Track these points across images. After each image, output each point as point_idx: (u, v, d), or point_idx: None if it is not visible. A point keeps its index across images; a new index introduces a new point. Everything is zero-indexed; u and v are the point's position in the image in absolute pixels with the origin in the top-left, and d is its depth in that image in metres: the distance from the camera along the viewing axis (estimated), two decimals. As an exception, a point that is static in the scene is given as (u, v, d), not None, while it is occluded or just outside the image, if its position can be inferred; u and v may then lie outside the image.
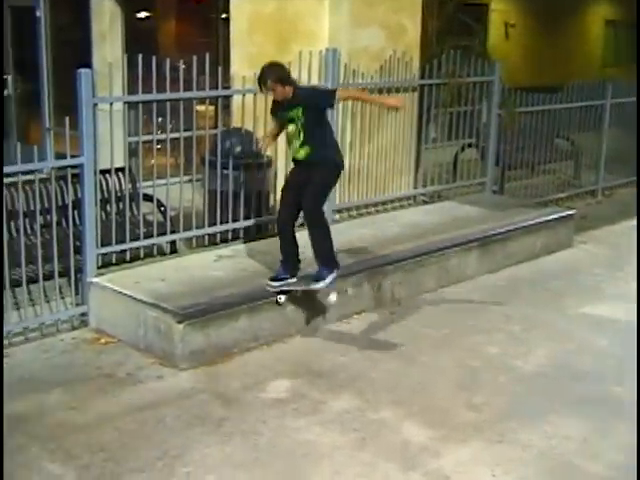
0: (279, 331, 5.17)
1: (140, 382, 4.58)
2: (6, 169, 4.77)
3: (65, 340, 5.08)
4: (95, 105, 5.14)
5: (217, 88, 5.95)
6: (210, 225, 6.07)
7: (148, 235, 5.72)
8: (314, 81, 6.46)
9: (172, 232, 5.90)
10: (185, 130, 5.82)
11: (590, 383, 4.74)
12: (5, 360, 4.75)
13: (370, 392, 4.54)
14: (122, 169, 5.94)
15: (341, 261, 5.19)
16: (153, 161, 5.82)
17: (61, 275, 5.18)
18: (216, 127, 6.74)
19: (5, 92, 7.65)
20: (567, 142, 9.30)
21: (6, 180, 4.85)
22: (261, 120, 5.89)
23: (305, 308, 5.33)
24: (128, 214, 5.67)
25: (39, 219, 5.12)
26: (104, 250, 5.40)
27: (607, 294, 6.27)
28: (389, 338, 5.30)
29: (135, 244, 5.62)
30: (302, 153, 4.95)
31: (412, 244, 6.23)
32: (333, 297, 5.20)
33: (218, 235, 6.12)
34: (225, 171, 6.14)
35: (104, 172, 5.70)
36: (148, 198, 5.94)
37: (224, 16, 8.23)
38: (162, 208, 6.01)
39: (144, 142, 5.76)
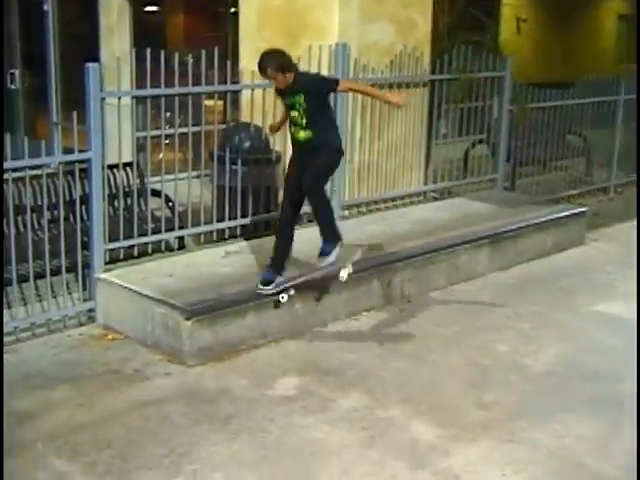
0: (287, 328, 5.14)
1: (147, 379, 4.56)
2: (13, 164, 4.76)
3: (72, 336, 5.07)
4: (103, 99, 5.11)
5: (226, 83, 5.92)
6: (218, 221, 6.05)
7: (156, 231, 5.71)
8: (324, 76, 6.42)
9: (180, 228, 5.88)
10: (193, 125, 5.79)
11: (601, 382, 4.69)
12: (12, 356, 4.75)
13: (379, 390, 4.50)
14: (130, 164, 5.92)
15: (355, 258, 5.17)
16: (161, 156, 5.79)
17: (68, 271, 5.17)
18: (225, 122, 6.71)
19: (13, 86, 7.65)
20: (579, 138, 9.23)
21: (13, 175, 4.84)
22: (270, 115, 5.86)
23: (313, 305, 5.29)
24: (136, 209, 5.64)
25: (46, 214, 5.11)
26: (112, 246, 5.38)
27: (620, 292, 6.21)
28: (398, 336, 5.27)
29: (143, 240, 5.60)
30: (302, 135, 4.91)
31: (422, 241, 6.19)
32: (344, 274, 5.14)
33: (226, 231, 6.10)
34: (234, 166, 6.11)
35: (112, 167, 5.68)
36: (156, 193, 5.92)
37: (233, 10, 8.20)
38: (170, 204, 5.99)
39: (152, 137, 5.74)
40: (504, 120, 7.95)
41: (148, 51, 5.29)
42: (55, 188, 5.28)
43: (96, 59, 6.51)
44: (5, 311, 4.99)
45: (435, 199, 7.70)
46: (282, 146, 6.23)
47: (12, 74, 7.64)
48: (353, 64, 6.64)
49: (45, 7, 7.59)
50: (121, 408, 4.23)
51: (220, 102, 6.47)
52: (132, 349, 4.90)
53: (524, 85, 8.12)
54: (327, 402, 4.36)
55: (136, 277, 5.21)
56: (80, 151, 5.07)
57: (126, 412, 4.19)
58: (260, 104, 6.04)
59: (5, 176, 4.79)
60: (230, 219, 6.07)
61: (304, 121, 4.87)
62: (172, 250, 5.86)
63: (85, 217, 5.33)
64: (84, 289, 5.28)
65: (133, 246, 5.55)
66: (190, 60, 5.58)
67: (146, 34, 7.94)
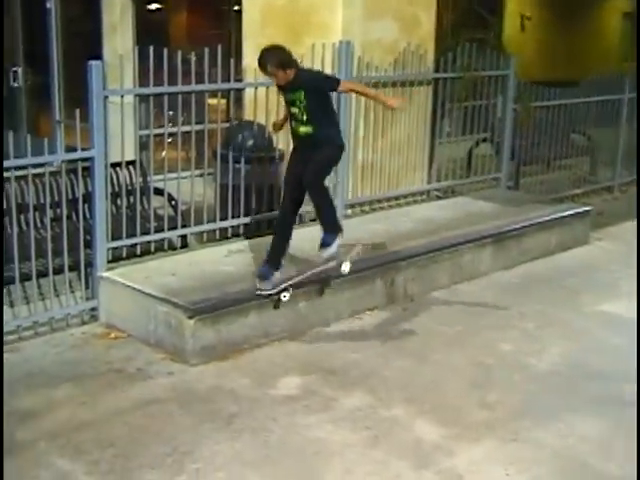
0: (290, 327, 5.13)
1: (150, 377, 4.55)
2: (16, 162, 4.74)
3: (75, 335, 5.06)
4: (106, 97, 5.10)
5: (229, 81, 5.91)
6: (221, 219, 6.03)
7: (159, 229, 5.70)
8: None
9: (183, 226, 5.86)
10: (196, 123, 5.78)
11: (606, 382, 4.67)
12: (14, 355, 4.75)
13: (382, 390, 4.49)
14: (133, 162, 5.90)
15: (353, 257, 5.14)
16: (164, 154, 5.78)
17: (71, 269, 5.15)
18: (228, 120, 6.70)
19: (15, 84, 7.64)
20: (583, 137, 9.19)
21: (16, 173, 4.83)
22: (273, 113, 5.84)
23: (316, 304, 5.28)
24: (139, 208, 5.63)
25: (49, 212, 5.10)
26: (114, 244, 5.37)
27: (624, 292, 6.18)
28: (401, 335, 5.26)
29: (146, 238, 5.59)
30: (303, 130, 4.89)
31: (425, 240, 6.17)
32: (346, 267, 5.11)
33: (229, 229, 6.08)
34: (237, 165, 6.09)
35: (115, 165, 5.67)
36: (159, 192, 5.91)
37: (236, 8, 8.18)
38: (173, 202, 5.97)
39: (155, 135, 5.73)
40: (508, 119, 7.92)
41: (151, 49, 5.27)
42: (58, 186, 5.26)
43: (99, 57, 6.51)
44: (8, 310, 4.98)
45: (438, 198, 7.67)
46: (285, 144, 6.20)
47: (15, 72, 7.63)
48: (357, 62, 6.62)
49: (48, 5, 7.59)
50: (124, 407, 4.22)
51: (223, 100, 6.45)
52: (135, 348, 4.89)
53: (528, 84, 8.10)
54: (330, 401, 4.34)
55: (139, 276, 5.20)
56: (83, 149, 5.05)
57: (129, 411, 4.18)
58: (263, 102, 6.02)
59: (8, 174, 4.78)
60: (233, 217, 6.06)
61: (304, 117, 4.85)
62: (175, 249, 5.85)
63: (88, 215, 5.32)
64: (87, 288, 5.26)
65: (136, 245, 5.54)
66: (193, 58, 5.56)
67: (149, 32, 7.93)
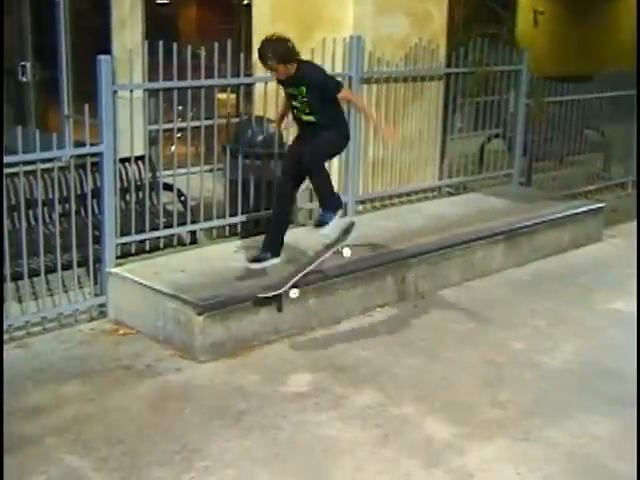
0: (300, 324, 5.09)
1: (159, 374, 4.53)
2: (24, 157, 4.73)
3: (83, 331, 5.05)
4: (115, 92, 5.07)
5: (239, 76, 5.87)
6: (231, 215, 6.00)
7: (168, 225, 5.67)
8: (338, 69, 6.37)
9: (192, 222, 5.84)
10: (206, 118, 5.75)
11: (618, 380, 4.62)
12: (23, 350, 4.75)
13: (393, 387, 4.45)
14: (142, 158, 5.87)
15: (364, 253, 5.10)
16: (173, 149, 5.75)
17: (80, 265, 5.13)
18: (238, 115, 6.66)
19: (24, 79, 7.63)
20: (597, 133, 9.12)
21: (24, 168, 4.81)
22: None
23: (326, 301, 5.24)
24: (148, 203, 5.60)
25: (58, 208, 5.08)
26: (123, 240, 5.35)
27: (637, 289, 6.11)
28: (412, 332, 5.22)
29: (155, 234, 5.56)
30: (306, 118, 4.84)
31: (436, 236, 6.13)
32: (347, 252, 5.05)
33: (239, 225, 6.05)
34: (246, 160, 6.06)
35: (124, 161, 5.64)
36: (168, 187, 5.89)
37: (246, 2, 8.15)
38: (182, 198, 5.96)
39: (164, 130, 5.69)
40: (520, 114, 7.86)
41: (160, 44, 5.25)
42: (66, 181, 5.26)
43: (108, 52, 6.47)
44: (16, 305, 4.97)
45: (450, 194, 7.63)
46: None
47: (23, 66, 7.61)
48: (368, 57, 6.58)
49: (57, -1, 7.56)
50: (132, 403, 4.20)
51: (233, 95, 6.41)
52: (143, 344, 4.87)
53: (541, 79, 8.03)
54: (340, 399, 4.31)
55: (148, 272, 5.17)
56: (92, 144, 5.04)
57: (137, 408, 4.16)
58: (273, 97, 5.98)
59: (16, 169, 4.78)
60: (243, 213, 6.03)
61: (307, 110, 4.80)
62: (184, 245, 5.83)
63: (97, 211, 5.29)
64: (95, 284, 5.25)
65: (145, 240, 5.52)
66: (203, 53, 5.53)
67: (158, 26, 7.90)
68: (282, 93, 5.73)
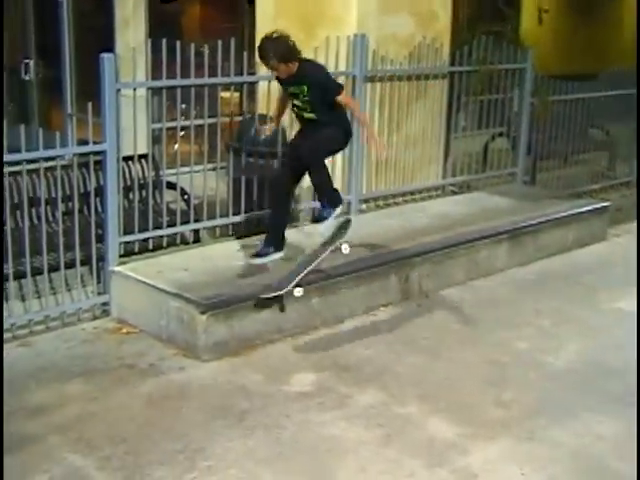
0: (303, 323, 5.08)
1: (162, 373, 4.53)
2: (27, 155, 4.72)
3: (86, 329, 5.04)
4: (118, 91, 5.06)
5: (242, 74, 5.86)
6: (234, 214, 5.99)
7: (171, 224, 5.66)
8: (342, 67, 6.35)
9: (196, 221, 5.83)
10: (209, 117, 5.74)
11: (623, 380, 4.60)
12: (26, 349, 4.74)
13: (396, 387, 4.44)
14: (145, 156, 5.87)
15: (368, 252, 5.08)
16: (176, 148, 5.74)
17: (83, 263, 5.13)
18: (241, 114, 6.65)
19: (27, 77, 7.63)
20: (602, 132, 9.09)
21: (27, 166, 4.81)
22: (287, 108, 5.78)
23: (329, 300, 5.23)
24: (151, 202, 5.59)
25: (61, 206, 5.07)
26: (126, 238, 5.34)
27: (642, 288, 6.11)
28: (416, 331, 5.20)
29: (158, 233, 5.55)
30: (307, 115, 4.81)
31: (440, 235, 6.11)
32: (346, 249, 5.04)
33: (242, 224, 6.04)
34: (250, 159, 6.05)
35: (127, 159, 5.64)
36: (171, 186, 5.87)
37: (250, 0, 8.11)
38: (185, 196, 5.95)
39: (168, 129, 5.68)
40: (525, 113, 7.83)
41: (164, 42, 5.24)
42: (69, 180, 5.24)
43: (111, 50, 6.47)
44: (19, 304, 4.96)
45: (454, 193, 7.61)
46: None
47: (26, 65, 7.61)
48: (371, 55, 6.56)
49: (60, -4, 7.56)
50: (135, 403, 4.19)
51: (236, 94, 6.40)
52: (147, 343, 4.86)
53: (545, 77, 8.00)
54: (344, 398, 4.30)
55: (151, 270, 5.17)
56: (95, 143, 5.03)
57: (140, 407, 4.16)
58: (277, 95, 5.97)
59: (19, 167, 4.77)
60: (246, 212, 6.02)
61: (309, 109, 4.78)
62: (187, 243, 5.82)
63: (100, 209, 5.28)
64: (98, 282, 5.25)
65: (148, 239, 5.50)
66: (206, 51, 5.52)
67: (162, 25, 7.89)
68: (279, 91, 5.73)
